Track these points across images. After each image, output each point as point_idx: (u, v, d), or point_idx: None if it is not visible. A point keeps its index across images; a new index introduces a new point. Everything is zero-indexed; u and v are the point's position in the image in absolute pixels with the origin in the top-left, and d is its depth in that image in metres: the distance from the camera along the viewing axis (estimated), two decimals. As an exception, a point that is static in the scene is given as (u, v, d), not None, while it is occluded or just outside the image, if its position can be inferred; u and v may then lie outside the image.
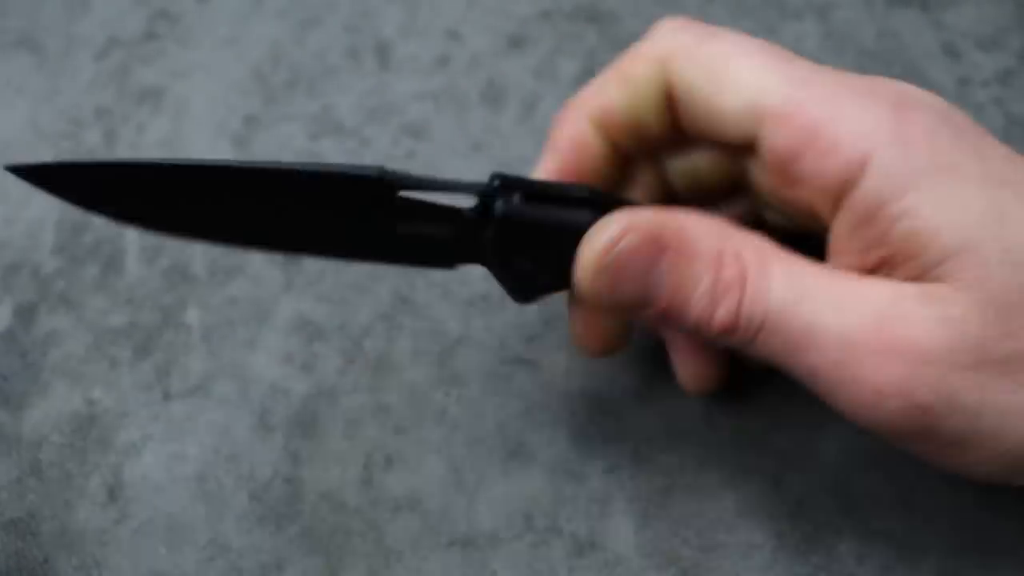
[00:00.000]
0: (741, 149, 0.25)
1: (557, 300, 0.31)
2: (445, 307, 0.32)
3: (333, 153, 0.35)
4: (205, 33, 0.38)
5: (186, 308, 0.32)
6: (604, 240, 0.23)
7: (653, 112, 0.25)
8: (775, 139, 0.23)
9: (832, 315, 0.22)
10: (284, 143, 0.35)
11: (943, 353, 0.21)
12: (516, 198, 0.24)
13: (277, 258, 0.33)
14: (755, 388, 0.30)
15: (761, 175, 0.25)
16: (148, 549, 0.28)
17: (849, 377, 0.21)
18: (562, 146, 0.26)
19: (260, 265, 0.33)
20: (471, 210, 0.25)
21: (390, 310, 0.32)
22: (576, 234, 0.24)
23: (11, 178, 0.35)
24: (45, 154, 0.35)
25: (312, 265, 0.33)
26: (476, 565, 0.27)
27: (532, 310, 0.32)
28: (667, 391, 0.30)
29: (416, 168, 0.35)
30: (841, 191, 0.22)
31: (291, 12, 0.38)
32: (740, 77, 0.23)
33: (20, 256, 0.33)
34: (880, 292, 0.22)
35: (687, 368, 0.28)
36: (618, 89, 0.25)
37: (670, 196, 0.28)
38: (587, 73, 0.37)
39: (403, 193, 0.24)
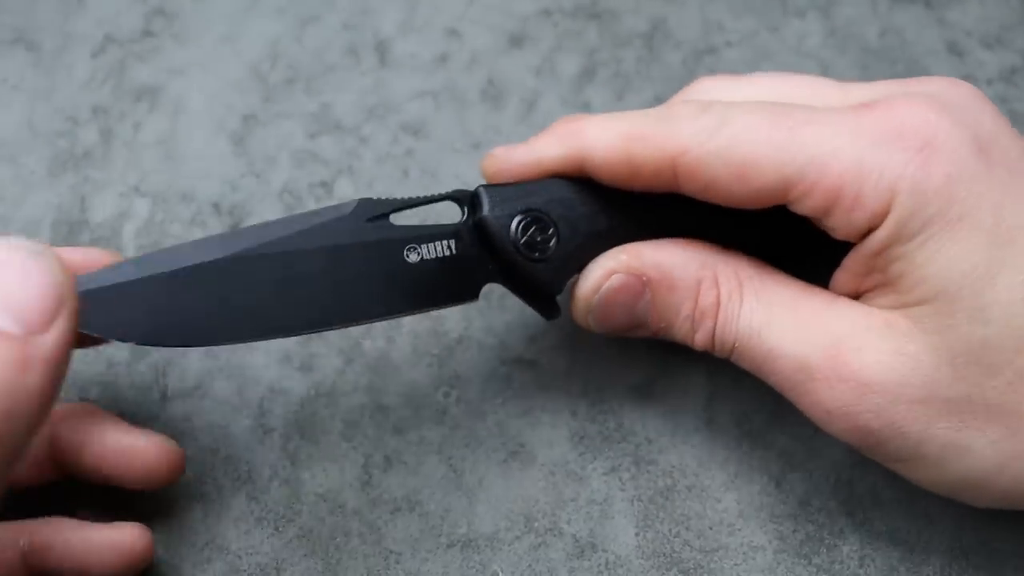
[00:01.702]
0: None
1: (558, 301, 0.31)
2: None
3: (332, 151, 0.35)
4: (202, 31, 0.38)
5: (184, 308, 0.32)
6: (590, 284, 0.26)
7: (647, 189, 0.26)
8: (803, 204, 0.24)
9: (791, 342, 0.24)
10: (282, 141, 0.35)
11: (891, 384, 0.23)
12: (493, 201, 0.26)
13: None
14: (757, 388, 0.30)
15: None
16: (145, 551, 0.27)
17: (804, 397, 0.24)
18: (543, 159, 0.27)
19: (258, 264, 0.33)
20: (463, 221, 0.26)
21: (389, 310, 0.32)
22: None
23: (5, 177, 0.34)
24: (41, 152, 0.35)
25: (311, 264, 0.33)
26: (476, 566, 0.27)
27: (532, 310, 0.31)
28: (667, 391, 0.30)
29: (415, 166, 0.35)
30: (866, 233, 0.23)
31: (289, 9, 0.38)
32: (759, 161, 0.23)
33: (16, 255, 0.33)
34: (843, 319, 0.24)
35: None
36: (622, 165, 0.25)
37: None
38: (588, 71, 0.37)
39: (395, 221, 0.25)
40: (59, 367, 0.19)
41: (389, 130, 0.35)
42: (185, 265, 0.23)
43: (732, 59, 0.37)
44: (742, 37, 0.38)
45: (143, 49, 0.37)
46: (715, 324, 0.25)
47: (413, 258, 0.25)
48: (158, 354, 0.31)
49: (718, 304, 0.25)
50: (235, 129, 0.35)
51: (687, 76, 0.37)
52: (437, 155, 0.35)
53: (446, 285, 0.26)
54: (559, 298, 0.27)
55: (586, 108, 0.36)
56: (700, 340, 0.26)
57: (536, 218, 0.26)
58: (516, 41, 0.38)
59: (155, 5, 0.38)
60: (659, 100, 0.36)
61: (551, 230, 0.26)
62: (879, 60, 0.37)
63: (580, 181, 0.27)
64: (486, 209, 0.26)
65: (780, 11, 0.38)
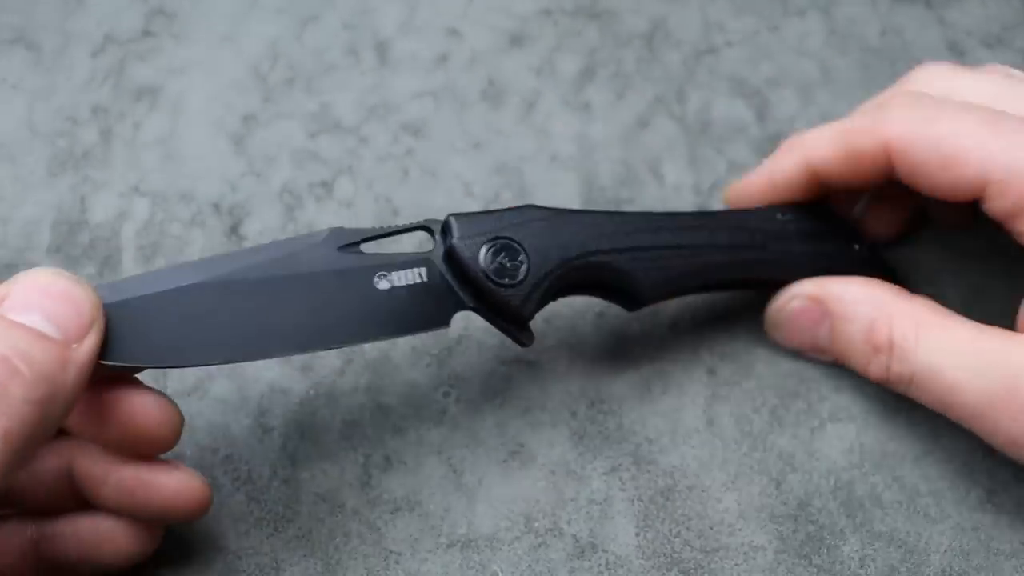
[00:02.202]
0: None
1: (558, 301, 0.31)
2: (444, 306, 0.32)
3: (332, 151, 0.35)
4: (202, 30, 0.38)
5: (183, 307, 0.32)
6: (777, 303, 0.30)
7: (867, 180, 0.29)
8: (996, 203, 0.26)
9: (974, 378, 0.25)
10: (282, 141, 0.35)
11: None
12: (461, 229, 0.26)
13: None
14: (757, 389, 0.30)
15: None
16: (145, 551, 0.27)
17: (989, 429, 0.26)
18: (774, 175, 0.30)
19: (258, 264, 0.33)
20: (433, 249, 0.26)
21: (389, 310, 0.32)
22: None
23: (5, 177, 0.34)
24: (41, 152, 0.35)
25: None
26: (476, 566, 0.27)
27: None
28: (667, 391, 0.30)
29: (415, 166, 0.35)
30: None
31: (289, 9, 0.38)
32: (966, 157, 0.26)
33: (15, 256, 0.33)
34: (1022, 353, 0.25)
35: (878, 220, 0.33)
36: (842, 157, 0.29)
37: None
38: (588, 71, 0.37)
39: (367, 248, 0.26)
40: (86, 374, 0.21)
41: (389, 130, 0.35)
42: (160, 289, 0.23)
43: (732, 59, 0.37)
44: (742, 37, 0.38)
45: (143, 49, 0.37)
46: (889, 359, 0.27)
47: (383, 286, 0.25)
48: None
49: (892, 343, 0.27)
50: (235, 129, 0.35)
51: (687, 76, 0.37)
52: (437, 155, 0.35)
53: (417, 312, 0.26)
54: (539, 326, 0.28)
55: (586, 108, 0.36)
56: (875, 372, 0.28)
57: (505, 245, 0.26)
58: (516, 41, 0.38)
59: (155, 5, 0.38)
60: (659, 100, 0.36)
61: (520, 256, 0.26)
62: (879, 59, 0.37)
63: (554, 211, 0.27)
64: (456, 236, 0.26)
65: (780, 10, 0.38)
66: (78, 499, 0.25)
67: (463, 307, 0.26)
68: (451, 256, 0.26)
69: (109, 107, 0.36)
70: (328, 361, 0.31)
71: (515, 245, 0.26)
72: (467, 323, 0.31)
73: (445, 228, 0.26)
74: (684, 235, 0.29)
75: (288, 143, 0.35)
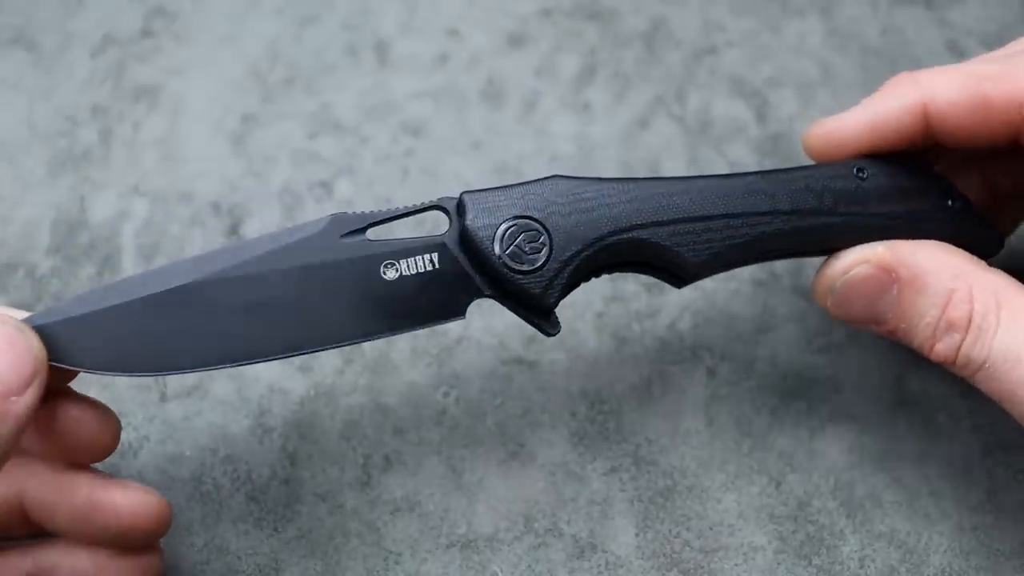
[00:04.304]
0: None
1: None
2: (444, 307, 0.32)
3: (332, 151, 0.35)
4: (202, 30, 0.38)
5: (183, 308, 0.32)
6: (838, 268, 0.26)
7: (989, 138, 0.25)
8: None
9: None
10: (282, 142, 0.35)
11: None
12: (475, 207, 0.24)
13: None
14: (756, 389, 0.30)
15: None
16: (145, 551, 0.27)
17: None
18: (877, 116, 0.26)
19: (258, 264, 0.33)
20: (447, 232, 0.25)
21: (389, 310, 0.32)
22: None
23: (5, 177, 0.34)
24: (41, 152, 0.35)
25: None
26: (476, 567, 0.27)
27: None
28: (667, 392, 0.30)
29: (415, 166, 0.35)
30: None
31: (289, 9, 0.38)
32: None
33: (15, 256, 0.33)
34: None
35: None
36: (971, 105, 0.25)
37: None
38: (588, 71, 0.37)
39: (374, 237, 0.24)
40: (25, 424, 0.21)
41: (389, 130, 0.35)
42: (152, 292, 0.22)
43: (732, 59, 0.37)
44: (742, 37, 0.38)
45: (143, 49, 0.37)
46: (963, 340, 0.24)
47: (391, 275, 0.24)
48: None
49: (970, 320, 0.24)
50: (234, 129, 0.35)
51: (687, 76, 0.37)
52: (437, 155, 0.35)
53: (429, 302, 0.24)
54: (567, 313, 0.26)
55: (586, 108, 0.36)
56: (941, 351, 0.24)
57: (525, 226, 0.24)
58: (516, 41, 0.38)
59: (155, 5, 0.38)
60: (659, 100, 0.36)
61: (542, 238, 0.24)
62: (879, 60, 0.37)
63: (583, 181, 0.25)
64: (470, 217, 0.24)
65: (780, 11, 0.38)
66: (32, 526, 0.24)
67: (480, 295, 0.24)
68: (465, 239, 0.24)
69: (109, 107, 0.36)
70: (328, 361, 0.31)
71: (536, 226, 0.24)
72: (467, 323, 0.31)
73: (460, 207, 0.24)
74: (736, 201, 0.25)
75: (288, 143, 0.35)
